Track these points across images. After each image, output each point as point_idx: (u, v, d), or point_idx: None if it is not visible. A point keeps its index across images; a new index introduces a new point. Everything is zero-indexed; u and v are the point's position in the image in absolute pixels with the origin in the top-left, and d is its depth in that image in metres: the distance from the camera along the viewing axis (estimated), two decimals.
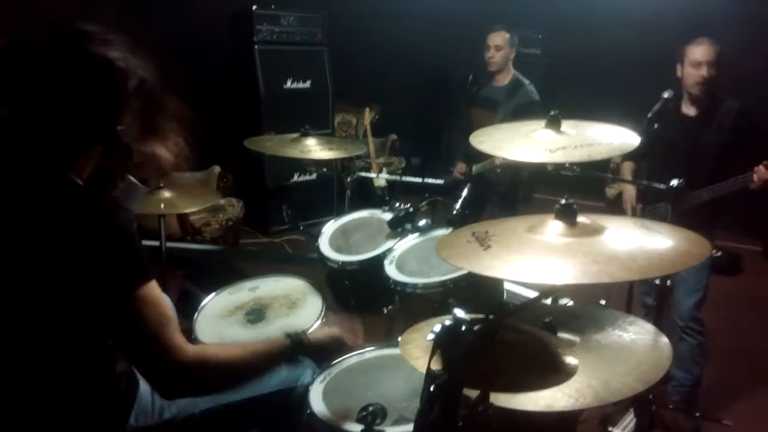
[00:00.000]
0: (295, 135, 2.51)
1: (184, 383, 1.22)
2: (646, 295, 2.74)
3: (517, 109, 3.47)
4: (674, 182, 1.89)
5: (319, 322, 1.83)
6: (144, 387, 1.38)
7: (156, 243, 2.51)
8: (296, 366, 1.61)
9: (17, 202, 1.13)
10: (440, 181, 2.95)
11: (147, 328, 1.15)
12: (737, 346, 3.25)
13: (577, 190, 2.59)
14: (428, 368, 0.97)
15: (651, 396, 1.99)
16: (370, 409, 1.32)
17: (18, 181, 1.13)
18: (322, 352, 1.58)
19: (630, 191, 2.82)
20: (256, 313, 1.91)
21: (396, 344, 1.59)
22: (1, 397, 1.16)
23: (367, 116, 3.81)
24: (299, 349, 1.46)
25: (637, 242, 1.16)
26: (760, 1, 4.80)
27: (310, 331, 1.69)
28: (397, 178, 2.92)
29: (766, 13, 4.76)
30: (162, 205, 2.30)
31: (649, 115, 2.50)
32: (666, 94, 2.55)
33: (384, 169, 5.37)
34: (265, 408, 1.53)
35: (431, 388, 0.94)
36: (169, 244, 2.66)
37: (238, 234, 4.52)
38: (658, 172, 2.47)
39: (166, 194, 2.35)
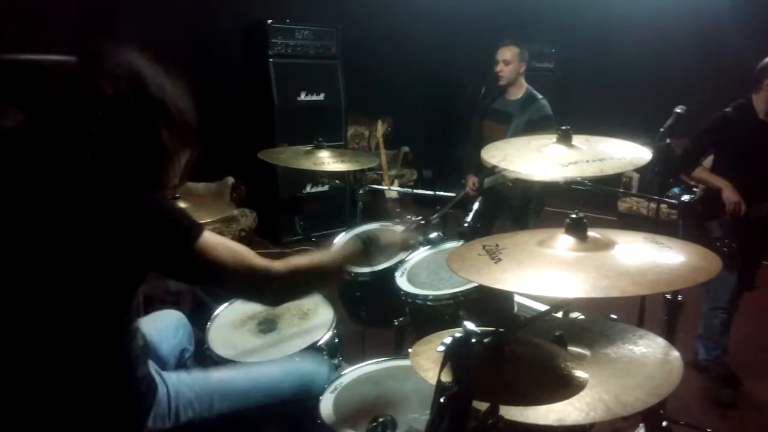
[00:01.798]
0: (309, 147, 2.54)
1: (284, 292, 1.41)
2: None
3: (530, 123, 3.48)
4: (685, 197, 1.89)
5: (330, 333, 1.85)
6: (162, 390, 1.41)
7: None
8: (308, 371, 1.63)
9: (61, 194, 1.16)
10: (452, 194, 2.96)
11: (231, 266, 1.24)
12: (747, 363, 3.22)
13: (589, 203, 2.60)
14: (438, 380, 0.98)
15: (662, 411, 1.97)
16: (380, 420, 1.33)
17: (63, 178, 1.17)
18: (393, 249, 1.86)
19: (728, 188, 2.79)
20: (268, 323, 1.93)
21: (406, 356, 1.60)
22: (22, 397, 1.19)
23: (380, 128, 3.84)
24: (373, 250, 1.64)
25: (648, 257, 1.17)
26: None
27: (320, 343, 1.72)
28: (409, 190, 2.93)
29: None
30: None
31: (661, 129, 2.50)
32: (678, 109, 2.55)
33: (396, 182, 5.40)
34: (277, 415, 1.54)
35: (441, 400, 0.95)
36: None
37: (250, 244, 4.53)
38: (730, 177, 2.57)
39: (181, 205, 2.37)
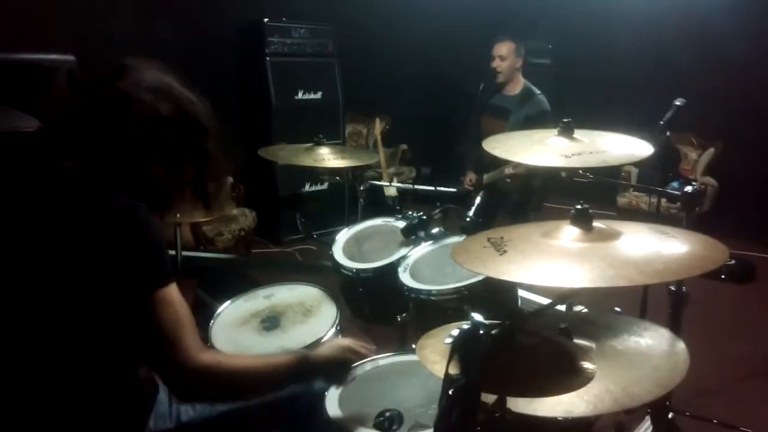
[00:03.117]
0: (309, 144, 2.54)
1: (195, 388, 1.25)
2: None
3: (528, 118, 3.49)
4: (688, 188, 1.89)
5: (333, 329, 1.84)
6: (163, 390, 1.40)
7: (172, 252, 2.54)
8: None
9: (36, 201, 1.17)
10: (452, 189, 2.95)
11: (164, 330, 1.17)
12: (751, 353, 3.23)
13: (588, 198, 2.59)
14: (446, 372, 0.97)
15: (668, 402, 1.97)
16: (387, 414, 1.33)
17: (42, 183, 1.17)
18: (334, 373, 1.56)
19: None
20: (271, 321, 1.92)
21: (411, 351, 1.60)
22: (24, 397, 1.18)
23: (378, 126, 3.83)
24: (311, 373, 1.47)
25: (653, 247, 1.17)
26: (764, 17, 4.80)
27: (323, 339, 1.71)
28: (410, 186, 2.93)
29: None
30: (178, 214, 2.33)
31: (661, 122, 2.50)
32: (678, 102, 2.55)
33: (395, 179, 5.39)
34: (282, 411, 1.53)
35: (450, 392, 0.94)
36: (185, 254, 2.68)
37: (250, 244, 4.54)
38: None
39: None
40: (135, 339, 1.22)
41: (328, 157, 2.43)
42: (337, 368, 1.55)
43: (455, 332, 1.01)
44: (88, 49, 3.10)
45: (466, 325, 1.00)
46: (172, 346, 1.18)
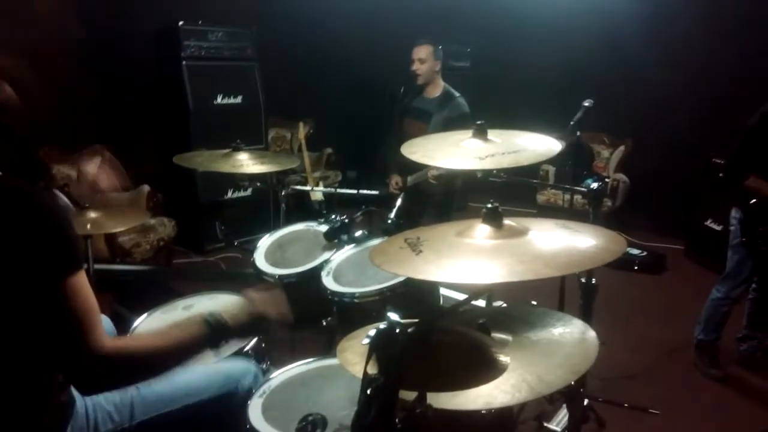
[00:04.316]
0: (226, 150, 2.48)
1: (103, 376, 1.22)
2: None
3: (448, 121, 3.56)
4: (594, 185, 1.99)
5: (256, 337, 1.80)
6: (80, 402, 1.36)
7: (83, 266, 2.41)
8: (235, 368, 1.60)
9: None
10: (375, 192, 2.98)
11: (77, 317, 1.14)
12: (663, 340, 3.43)
13: (510, 197, 2.69)
14: (365, 372, 0.98)
15: (582, 390, 2.07)
16: (310, 418, 1.32)
17: None
18: (248, 332, 1.52)
19: None
20: None
21: (335, 355, 1.59)
22: None
23: (302, 130, 3.80)
24: (221, 333, 1.38)
25: (560, 242, 1.22)
26: (671, 22, 5.13)
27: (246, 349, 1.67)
28: (332, 190, 2.92)
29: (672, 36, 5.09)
30: (88, 226, 2.22)
31: (572, 123, 2.62)
32: (586, 103, 2.68)
33: (321, 183, 5.37)
34: (205, 415, 1.50)
35: (368, 392, 0.95)
36: (98, 267, 2.56)
37: (170, 254, 4.40)
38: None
39: (92, 214, 2.26)
40: (45, 332, 1.17)
41: (247, 163, 2.39)
42: (252, 324, 1.48)
43: (372, 332, 1.02)
44: None
45: (383, 325, 1.01)
46: (85, 334, 1.14)
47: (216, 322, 1.36)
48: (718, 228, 4.42)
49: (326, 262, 2.11)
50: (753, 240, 2.81)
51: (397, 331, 0.99)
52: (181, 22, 4.60)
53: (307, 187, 2.91)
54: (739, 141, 2.83)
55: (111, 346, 1.18)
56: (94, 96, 4.50)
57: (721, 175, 2.97)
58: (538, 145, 1.78)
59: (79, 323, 1.14)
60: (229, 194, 4.99)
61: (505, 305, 1.87)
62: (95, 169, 4.30)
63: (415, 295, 1.87)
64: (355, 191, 2.86)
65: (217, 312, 1.40)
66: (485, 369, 1.17)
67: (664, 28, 5.13)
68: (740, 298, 3.05)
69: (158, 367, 1.31)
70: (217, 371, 1.58)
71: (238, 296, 1.99)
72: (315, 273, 2.07)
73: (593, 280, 2.01)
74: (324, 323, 2.04)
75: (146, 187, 4.34)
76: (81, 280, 1.16)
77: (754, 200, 2.77)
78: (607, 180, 5.14)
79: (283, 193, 2.69)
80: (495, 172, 2.09)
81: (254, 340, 1.79)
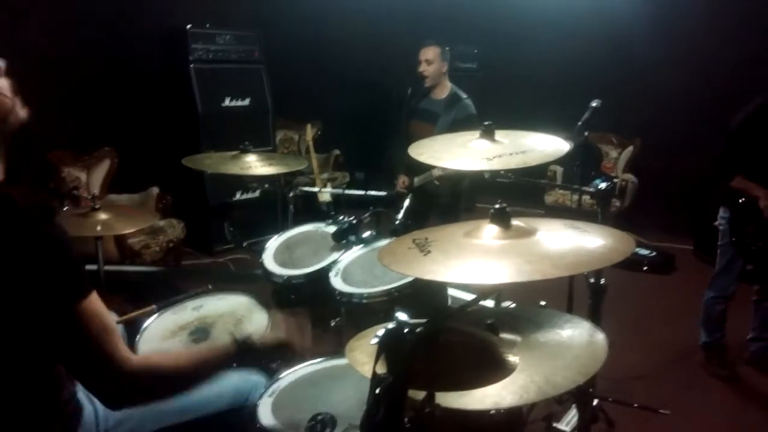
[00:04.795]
0: (235, 152, 2.50)
1: (131, 393, 1.22)
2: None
3: (455, 122, 3.56)
4: (602, 185, 1.98)
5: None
6: (88, 411, 1.36)
7: (94, 267, 2.44)
8: (246, 381, 1.60)
9: None
10: (382, 193, 2.98)
11: (91, 341, 1.14)
12: (672, 340, 3.41)
13: (517, 198, 2.68)
14: (373, 371, 0.99)
15: (591, 390, 2.06)
16: (319, 418, 1.33)
17: None
18: (270, 357, 1.56)
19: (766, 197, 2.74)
20: (200, 332, 1.87)
21: (343, 355, 1.60)
22: None
23: (309, 132, 3.82)
24: (247, 354, 1.43)
25: (568, 242, 1.22)
26: (673, 22, 5.11)
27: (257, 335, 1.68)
28: (340, 191, 2.94)
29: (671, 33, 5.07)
30: (99, 228, 2.24)
31: (579, 123, 2.62)
32: (594, 103, 2.68)
33: (329, 184, 5.38)
34: (216, 427, 1.51)
35: (377, 391, 0.96)
36: (108, 268, 2.58)
37: (179, 255, 4.42)
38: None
39: (103, 216, 2.28)
40: (63, 356, 1.18)
41: (255, 165, 2.41)
42: (273, 359, 1.56)
43: (381, 332, 1.02)
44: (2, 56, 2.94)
45: (391, 325, 1.02)
46: (107, 355, 1.16)
47: (244, 343, 1.41)
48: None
49: (334, 262, 2.12)
50: (742, 239, 2.80)
51: (406, 331, 1.00)
52: (189, 26, 4.63)
53: (315, 189, 2.92)
54: (724, 143, 2.85)
55: (137, 363, 1.21)
56: (103, 99, 4.54)
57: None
58: (545, 146, 1.78)
59: (100, 345, 1.15)
60: (238, 196, 5.01)
61: (514, 305, 1.87)
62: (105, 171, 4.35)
63: (422, 296, 1.87)
64: (362, 192, 2.87)
65: (248, 334, 1.46)
66: (493, 369, 1.17)
67: (671, 29, 5.12)
68: (734, 296, 3.03)
69: (183, 384, 1.33)
70: (227, 384, 1.57)
71: (247, 297, 2.01)
72: (323, 274, 2.08)
73: (602, 281, 2.01)
74: (332, 324, 2.05)
75: (155, 189, 4.38)
76: (93, 303, 1.16)
77: (742, 199, 2.77)
78: (615, 180, 5.12)
79: (291, 195, 2.70)
80: (503, 172, 2.09)
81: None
